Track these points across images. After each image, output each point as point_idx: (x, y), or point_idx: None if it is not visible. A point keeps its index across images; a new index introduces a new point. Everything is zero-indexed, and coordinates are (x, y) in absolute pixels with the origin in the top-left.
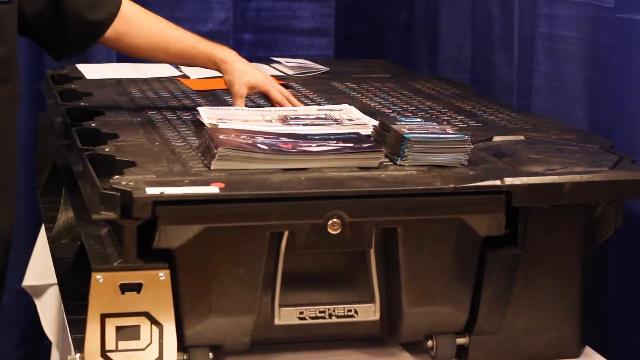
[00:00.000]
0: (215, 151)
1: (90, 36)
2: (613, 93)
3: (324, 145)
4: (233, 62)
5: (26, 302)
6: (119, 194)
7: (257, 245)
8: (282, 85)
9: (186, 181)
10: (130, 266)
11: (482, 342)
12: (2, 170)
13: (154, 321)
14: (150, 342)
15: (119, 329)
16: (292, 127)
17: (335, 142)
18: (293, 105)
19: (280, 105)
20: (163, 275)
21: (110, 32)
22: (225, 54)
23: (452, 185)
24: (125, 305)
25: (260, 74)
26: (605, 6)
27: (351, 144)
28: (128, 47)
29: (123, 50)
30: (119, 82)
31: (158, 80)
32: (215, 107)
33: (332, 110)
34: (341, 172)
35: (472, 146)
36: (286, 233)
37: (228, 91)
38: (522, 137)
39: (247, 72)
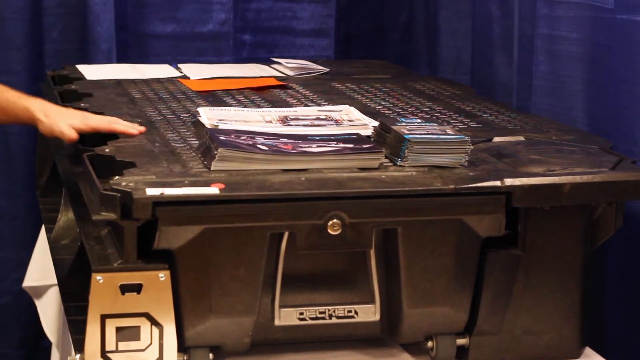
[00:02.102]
0: (215, 152)
1: None
2: (612, 94)
3: (324, 146)
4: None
5: (26, 302)
6: (119, 194)
7: (257, 246)
8: (282, 86)
9: (186, 182)
10: (131, 267)
11: (482, 342)
12: None
13: (154, 322)
14: (151, 343)
15: (119, 329)
16: (292, 128)
17: (335, 142)
18: (118, 129)
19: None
20: (163, 276)
21: None
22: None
23: (452, 186)
24: (125, 306)
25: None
26: (605, 7)
27: (351, 145)
28: None
29: None
30: (119, 82)
31: (158, 80)
32: (216, 108)
33: (332, 110)
34: (341, 173)
35: (472, 147)
36: (286, 234)
37: (228, 92)
38: (522, 138)
39: (65, 113)
